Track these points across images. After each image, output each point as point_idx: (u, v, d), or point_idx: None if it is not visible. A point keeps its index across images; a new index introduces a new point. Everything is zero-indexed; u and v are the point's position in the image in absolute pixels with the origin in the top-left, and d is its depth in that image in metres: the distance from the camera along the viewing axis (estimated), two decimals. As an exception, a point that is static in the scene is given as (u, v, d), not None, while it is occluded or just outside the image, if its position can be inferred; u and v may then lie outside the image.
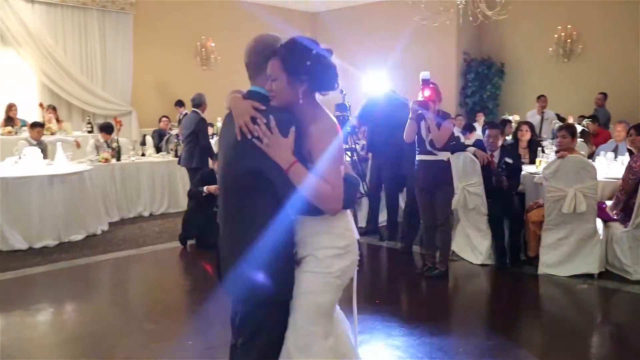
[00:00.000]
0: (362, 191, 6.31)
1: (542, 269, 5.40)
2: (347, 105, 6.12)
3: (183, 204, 8.22)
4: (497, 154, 5.71)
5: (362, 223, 7.09)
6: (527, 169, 6.16)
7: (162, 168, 8.48)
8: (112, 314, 4.63)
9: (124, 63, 12.02)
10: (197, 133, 7.23)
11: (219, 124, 10.37)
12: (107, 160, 7.87)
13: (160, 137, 10.24)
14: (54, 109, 10.11)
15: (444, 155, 5.18)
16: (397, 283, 5.54)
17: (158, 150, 9.60)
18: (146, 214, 8.20)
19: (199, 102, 7.61)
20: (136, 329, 4.22)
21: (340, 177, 2.10)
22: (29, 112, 10.05)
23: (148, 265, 6.10)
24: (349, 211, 2.29)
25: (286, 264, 2.17)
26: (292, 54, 2.08)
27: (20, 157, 7.00)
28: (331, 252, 2.16)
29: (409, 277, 5.53)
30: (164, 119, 10.70)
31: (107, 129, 8.50)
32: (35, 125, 8.16)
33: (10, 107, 9.53)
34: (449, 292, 5.32)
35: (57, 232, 6.49)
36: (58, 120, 9.99)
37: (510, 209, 5.69)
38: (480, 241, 5.76)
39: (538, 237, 5.52)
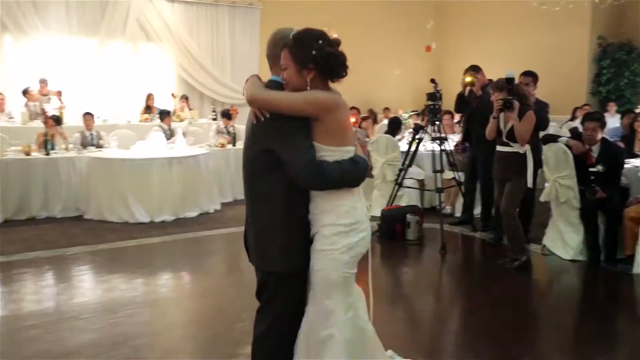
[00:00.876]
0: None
1: (637, 269, 5.08)
2: (438, 95, 6.14)
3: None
4: (596, 148, 5.39)
5: (458, 213, 7.11)
6: (633, 162, 5.78)
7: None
8: (221, 279, 5.25)
9: (251, 55, 12.83)
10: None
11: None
12: (223, 145, 8.59)
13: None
14: (186, 98, 11.15)
15: (519, 147, 5.10)
16: (478, 275, 5.52)
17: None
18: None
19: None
20: (244, 288, 4.66)
21: (282, 100, 2.29)
22: (166, 102, 11.15)
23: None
24: (360, 190, 2.47)
25: (292, 239, 2.39)
26: (299, 45, 2.29)
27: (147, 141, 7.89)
28: (336, 229, 2.35)
29: (491, 269, 5.48)
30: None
31: (227, 115, 9.30)
32: (163, 113, 9.12)
33: (149, 97, 10.70)
34: (530, 286, 5.20)
35: (174, 209, 7.27)
36: (190, 109, 11.01)
37: (607, 203, 5.38)
38: (571, 236, 5.53)
39: (635, 234, 5.19)
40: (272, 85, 2.43)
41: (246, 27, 12.80)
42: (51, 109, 9.47)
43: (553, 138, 5.61)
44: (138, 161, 7.17)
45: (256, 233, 2.46)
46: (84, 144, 8.19)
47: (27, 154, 7.32)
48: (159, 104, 10.78)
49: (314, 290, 2.40)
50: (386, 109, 13.49)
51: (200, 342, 3.78)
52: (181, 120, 10.10)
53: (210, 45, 12.46)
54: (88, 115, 8.49)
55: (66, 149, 7.75)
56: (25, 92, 9.79)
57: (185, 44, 12.04)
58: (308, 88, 2.32)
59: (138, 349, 3.64)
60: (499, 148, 5.23)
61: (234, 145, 8.77)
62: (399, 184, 6.45)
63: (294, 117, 2.29)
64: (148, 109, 10.57)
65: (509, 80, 5.00)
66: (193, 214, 7.44)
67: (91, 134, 8.38)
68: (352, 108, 8.31)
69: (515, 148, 5.09)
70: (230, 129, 9.24)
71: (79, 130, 8.40)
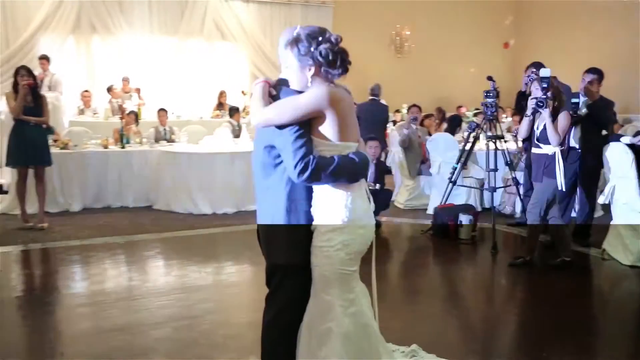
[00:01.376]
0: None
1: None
2: (496, 92, 6.03)
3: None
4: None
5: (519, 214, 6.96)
6: None
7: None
8: None
9: (323, 53, 13.02)
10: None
11: (404, 111, 10.79)
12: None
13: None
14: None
15: (548, 149, 4.97)
16: (526, 276, 5.38)
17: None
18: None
19: (377, 92, 8.25)
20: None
21: (283, 112, 2.35)
22: (237, 99, 11.56)
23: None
24: (362, 187, 2.50)
25: (294, 233, 2.47)
26: (299, 43, 2.37)
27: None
28: (332, 226, 2.40)
29: (542, 271, 5.32)
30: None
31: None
32: (232, 110, 9.50)
33: (222, 94, 11.15)
34: (581, 289, 5.01)
35: (236, 202, 7.56)
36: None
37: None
38: (633, 240, 5.28)
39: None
40: (282, 82, 2.55)
41: (319, 25, 12.97)
42: (131, 106, 10.11)
43: (615, 138, 5.39)
44: (203, 155, 7.53)
45: (262, 226, 2.57)
46: (157, 139, 8.67)
47: (105, 147, 7.87)
48: (231, 101, 11.20)
49: (314, 285, 2.47)
50: (459, 107, 13.27)
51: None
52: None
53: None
54: (162, 112, 8.99)
55: (140, 143, 8.25)
56: (109, 89, 10.51)
57: (259, 42, 12.43)
58: (309, 85, 2.40)
59: (207, 325, 3.93)
60: (532, 150, 5.20)
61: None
62: (453, 182, 6.40)
63: None
64: (220, 105, 11.02)
65: (543, 78, 4.88)
66: (254, 207, 7.59)
67: (164, 129, 8.86)
68: (413, 106, 8.28)
69: (544, 150, 4.99)
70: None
71: (153, 126, 8.92)
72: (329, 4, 13.00)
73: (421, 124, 8.28)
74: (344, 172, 2.39)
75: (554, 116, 4.90)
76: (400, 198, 8.01)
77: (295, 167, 2.32)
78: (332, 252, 2.41)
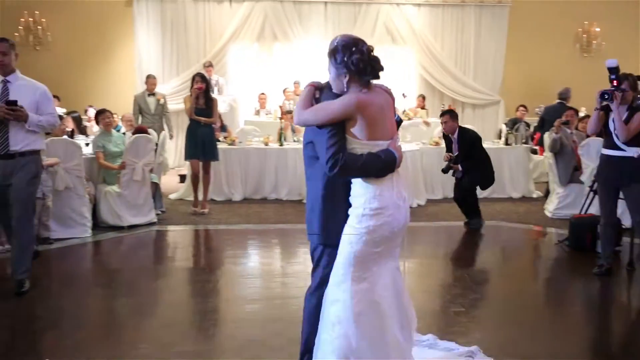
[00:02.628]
0: None
1: None
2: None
3: (508, 190, 8.78)
4: None
5: None
6: None
7: (490, 154, 8.89)
8: (427, 265, 5.60)
9: (497, 54, 12.65)
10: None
11: (581, 114, 10.08)
12: (437, 143, 8.84)
13: (513, 125, 10.57)
14: (422, 98, 11.65)
15: (633, 152, 4.53)
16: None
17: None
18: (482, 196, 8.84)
19: (565, 96, 8.52)
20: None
21: (324, 113, 2.64)
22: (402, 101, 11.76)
23: (431, 235, 6.89)
24: (393, 179, 2.71)
25: (330, 216, 2.78)
26: (336, 53, 2.68)
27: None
28: (362, 211, 2.68)
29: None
30: (520, 108, 10.95)
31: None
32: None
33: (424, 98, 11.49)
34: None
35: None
36: (423, 108, 11.47)
37: None
38: None
39: None
40: (327, 86, 2.85)
41: (493, 26, 12.65)
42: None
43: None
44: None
45: (307, 209, 2.93)
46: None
47: (266, 144, 8.72)
48: (402, 103, 11.46)
49: (337, 259, 2.75)
50: None
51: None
52: (409, 119, 10.62)
53: (454, 46, 12.68)
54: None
55: (296, 141, 8.96)
56: (284, 92, 11.52)
57: (429, 45, 12.50)
58: (345, 89, 2.68)
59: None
60: (607, 152, 4.84)
61: (449, 143, 8.94)
62: (593, 190, 5.92)
63: None
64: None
65: (611, 69, 4.38)
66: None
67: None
68: (569, 109, 7.75)
69: (628, 152, 4.63)
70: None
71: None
72: (505, 4, 12.54)
73: (576, 128, 7.71)
74: (369, 168, 2.65)
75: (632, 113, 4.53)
76: (549, 206, 7.59)
77: (327, 162, 2.64)
78: (362, 234, 2.67)
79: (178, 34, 12.01)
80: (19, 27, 11.42)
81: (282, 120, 9.10)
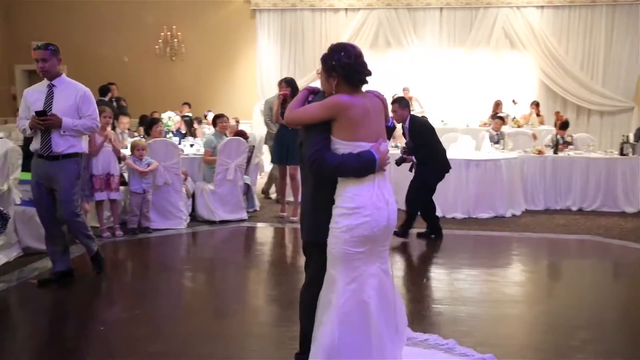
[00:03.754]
0: None
1: None
2: None
3: (621, 203, 8.18)
4: None
5: None
6: None
7: (600, 164, 8.31)
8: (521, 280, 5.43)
9: (630, 57, 11.72)
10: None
11: None
12: (540, 152, 8.44)
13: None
14: (536, 105, 11.10)
15: None
16: None
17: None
18: (574, 208, 8.29)
19: None
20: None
21: (306, 114, 2.83)
22: (520, 109, 11.30)
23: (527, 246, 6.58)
24: (375, 180, 2.79)
25: (318, 216, 2.91)
26: (327, 57, 2.85)
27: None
28: (340, 211, 2.80)
29: None
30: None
31: (564, 125, 9.05)
32: (495, 118, 9.50)
33: (498, 104, 11.10)
34: None
35: (467, 208, 7.71)
36: (538, 115, 10.94)
37: None
38: None
39: None
40: (320, 90, 3.01)
41: (628, 25, 11.70)
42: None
43: None
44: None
45: (300, 209, 3.13)
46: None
47: (362, 149, 8.92)
48: (512, 110, 11.07)
49: (327, 260, 2.88)
50: None
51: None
52: (519, 126, 10.21)
53: (581, 49, 11.94)
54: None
55: (395, 147, 9.04)
56: (392, 98, 11.63)
57: (551, 49, 11.91)
58: (333, 92, 2.83)
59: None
60: None
61: (555, 152, 8.49)
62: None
63: None
64: (495, 115, 10.98)
65: None
66: (485, 215, 7.72)
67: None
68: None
69: None
70: (568, 139, 8.98)
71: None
72: (641, 2, 11.55)
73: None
74: (346, 167, 2.77)
75: None
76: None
77: (308, 160, 2.83)
78: (339, 233, 2.79)
79: (296, 43, 12.65)
80: (159, 41, 12.76)
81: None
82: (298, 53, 12.67)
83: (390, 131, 3.12)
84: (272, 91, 12.44)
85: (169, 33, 12.80)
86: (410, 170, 6.59)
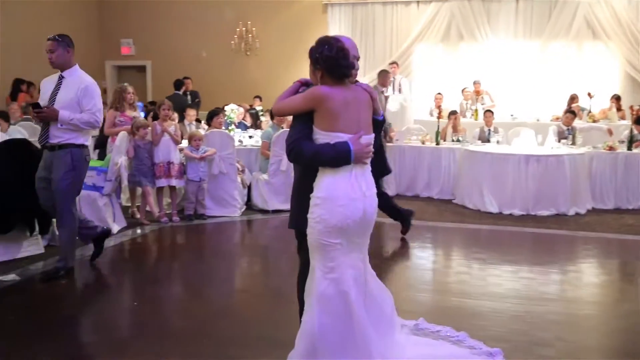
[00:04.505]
0: None
1: None
2: None
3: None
4: None
5: None
6: None
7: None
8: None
9: None
10: None
11: None
12: (611, 148, 7.99)
13: None
14: (617, 99, 10.47)
15: None
16: None
17: None
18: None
19: None
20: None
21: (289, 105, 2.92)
22: (599, 102, 10.70)
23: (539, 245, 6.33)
24: (352, 172, 2.81)
25: (302, 205, 2.92)
26: (312, 50, 2.90)
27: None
28: (315, 201, 2.84)
29: None
30: None
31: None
32: (567, 112, 9.09)
33: (573, 98, 10.57)
34: None
35: (525, 204, 7.46)
36: (619, 110, 10.32)
37: None
38: None
39: None
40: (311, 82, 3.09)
41: None
42: (480, 107, 10.78)
43: None
44: (496, 155, 7.70)
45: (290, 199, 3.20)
46: (481, 138, 9.14)
47: (422, 142, 8.85)
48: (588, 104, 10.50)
49: (309, 249, 2.92)
50: None
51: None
52: (594, 121, 9.69)
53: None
54: (488, 113, 9.38)
55: (456, 141, 8.90)
56: (462, 91, 11.41)
57: (639, 38, 11.15)
58: (318, 83, 2.89)
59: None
60: None
61: (629, 149, 8.00)
62: None
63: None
64: (569, 110, 10.48)
65: None
66: (546, 212, 7.43)
67: (489, 130, 9.24)
68: None
69: None
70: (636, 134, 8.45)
71: (480, 126, 9.42)
72: None
73: None
74: (321, 156, 2.82)
75: None
76: None
77: (287, 148, 2.92)
78: (313, 223, 2.83)
79: (367, 36, 12.68)
80: (235, 36, 13.24)
81: (440, 120, 9.10)
82: (369, 47, 12.68)
83: (379, 124, 3.12)
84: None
85: (244, 29, 13.22)
86: None
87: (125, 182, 6.37)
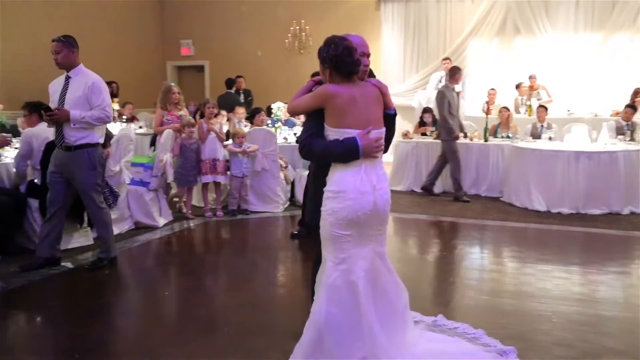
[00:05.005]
0: None
1: None
2: None
3: None
4: None
5: None
6: None
7: None
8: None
9: None
10: None
11: None
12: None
13: None
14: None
15: None
16: None
17: None
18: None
19: None
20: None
21: (300, 103, 3.00)
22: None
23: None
24: (362, 166, 2.86)
25: (317, 200, 3.01)
26: (320, 50, 2.97)
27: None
28: (327, 194, 2.93)
29: None
30: None
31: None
32: (627, 107, 8.71)
33: (637, 92, 10.06)
34: None
35: (575, 203, 7.21)
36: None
37: None
38: None
39: None
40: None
41: None
42: (535, 102, 10.46)
43: None
44: (544, 152, 7.48)
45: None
46: (533, 135, 8.89)
47: (471, 139, 8.71)
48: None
49: (321, 240, 3.01)
50: None
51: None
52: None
53: None
54: (541, 108, 9.10)
55: (506, 137, 8.70)
56: (517, 87, 11.11)
57: None
58: (327, 81, 2.97)
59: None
60: None
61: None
62: None
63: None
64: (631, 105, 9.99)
65: None
66: (597, 211, 7.16)
67: (541, 126, 8.97)
68: None
69: None
70: None
71: (533, 122, 9.16)
72: None
73: None
74: (329, 152, 2.91)
75: None
76: None
77: (299, 145, 3.03)
78: (326, 215, 2.93)
79: (420, 33, 12.55)
80: (288, 35, 13.44)
81: (488, 116, 8.91)
82: (422, 43, 12.55)
83: (391, 119, 3.16)
84: (396, 82, 12.60)
85: (297, 27, 13.39)
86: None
87: (170, 178, 6.64)
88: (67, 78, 4.76)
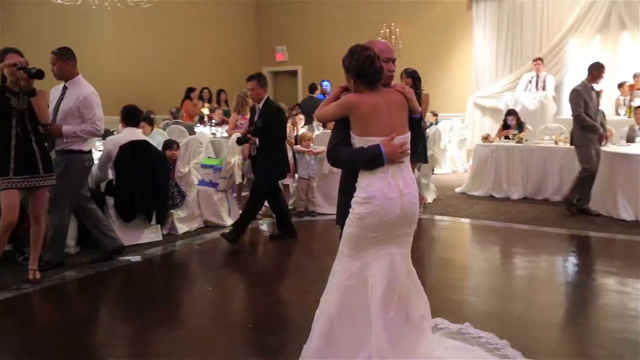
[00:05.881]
0: None
1: None
2: None
3: None
4: None
5: None
6: None
7: None
8: None
9: None
10: None
11: None
12: None
13: None
14: None
15: None
16: None
17: None
18: None
19: None
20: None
21: (325, 112, 3.07)
22: None
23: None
24: (389, 172, 2.90)
25: (345, 203, 3.05)
26: (344, 60, 3.02)
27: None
28: (355, 199, 2.97)
29: None
30: None
31: None
32: None
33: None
34: None
35: (644, 209, 6.62)
36: None
37: None
38: None
39: None
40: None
41: None
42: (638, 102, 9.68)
43: None
44: (628, 156, 6.92)
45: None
46: (629, 138, 8.23)
47: (556, 142, 8.24)
48: None
49: (342, 236, 3.06)
50: None
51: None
52: None
53: None
54: (638, 109, 8.39)
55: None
56: (620, 86, 10.32)
57: None
58: (352, 89, 3.03)
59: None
60: None
61: None
62: None
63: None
64: None
65: None
66: (692, 221, 6.51)
67: (639, 128, 8.28)
68: None
69: None
70: None
71: (630, 124, 8.48)
72: None
73: None
74: (354, 160, 2.96)
75: None
76: None
77: (327, 154, 3.11)
78: (353, 218, 2.97)
79: (514, 32, 12.04)
80: (378, 38, 13.41)
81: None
82: (515, 43, 12.01)
83: (416, 123, 3.13)
84: (487, 84, 12.23)
85: (387, 30, 13.36)
86: (250, 155, 6.17)
87: (239, 180, 6.92)
88: (64, 88, 4.99)
